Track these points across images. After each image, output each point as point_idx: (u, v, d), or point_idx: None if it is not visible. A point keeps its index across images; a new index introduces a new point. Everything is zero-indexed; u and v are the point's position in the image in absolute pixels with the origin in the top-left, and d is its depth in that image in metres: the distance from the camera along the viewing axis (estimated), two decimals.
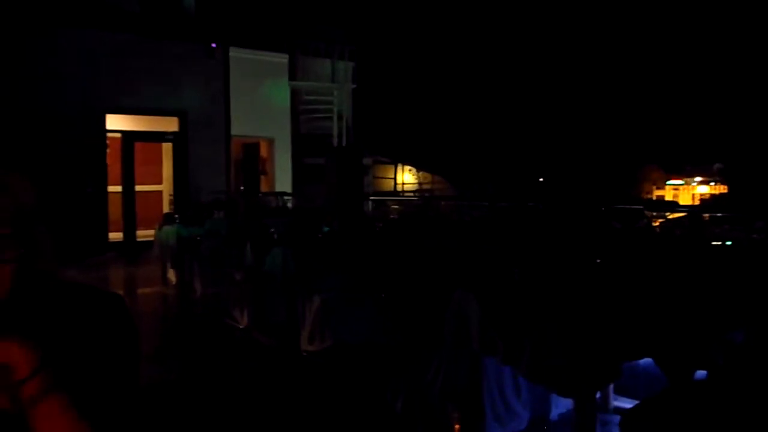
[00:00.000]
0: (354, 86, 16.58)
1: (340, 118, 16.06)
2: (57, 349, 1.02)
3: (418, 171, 19.57)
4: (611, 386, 3.87)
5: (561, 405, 3.82)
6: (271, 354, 5.51)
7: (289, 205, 11.20)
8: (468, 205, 10.60)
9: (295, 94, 15.23)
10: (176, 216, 8.55)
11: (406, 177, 19.49)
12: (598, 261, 3.91)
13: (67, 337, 1.08)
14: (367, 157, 16.08)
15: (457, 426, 2.62)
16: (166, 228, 8.36)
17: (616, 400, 3.91)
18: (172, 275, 8.25)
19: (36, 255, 1.06)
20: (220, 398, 4.42)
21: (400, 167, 19.20)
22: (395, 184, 18.84)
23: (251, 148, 14.68)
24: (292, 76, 15.04)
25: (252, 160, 14.59)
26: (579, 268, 3.78)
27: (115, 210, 12.22)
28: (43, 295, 1.08)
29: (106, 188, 11.97)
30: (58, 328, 1.08)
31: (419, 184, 19.34)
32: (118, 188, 12.35)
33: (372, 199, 9.77)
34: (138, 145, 12.76)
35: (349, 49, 16.26)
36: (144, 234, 12.09)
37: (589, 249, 4.13)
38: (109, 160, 12.14)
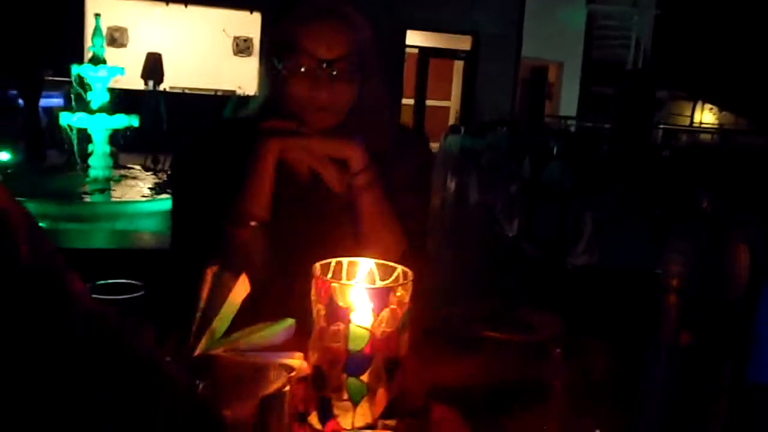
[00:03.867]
0: (657, 12, 15.40)
1: (637, 46, 15.11)
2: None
3: (720, 111, 17.75)
4: None
5: None
6: (536, 265, 5.68)
7: (572, 129, 11.02)
8: None
9: (591, 18, 14.64)
10: (461, 127, 8.96)
11: (706, 116, 17.82)
12: None
13: (385, 155, 1.34)
14: (663, 91, 14.98)
15: None
16: (451, 137, 8.83)
17: None
18: (451, 182, 8.75)
19: (372, 86, 1.32)
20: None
21: (699, 105, 17.58)
22: (691, 122, 17.35)
23: (539, 71, 14.54)
24: None
25: (539, 83, 14.48)
26: None
27: (406, 121, 13.15)
28: (371, 118, 1.34)
29: (400, 100, 12.88)
30: (381, 145, 1.33)
31: (720, 125, 17.57)
32: (410, 101, 13.22)
33: (661, 128, 9.20)
34: (431, 62, 13.43)
35: None
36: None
37: None
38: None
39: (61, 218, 3.34)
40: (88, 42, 4.92)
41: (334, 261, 0.87)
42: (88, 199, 3.76)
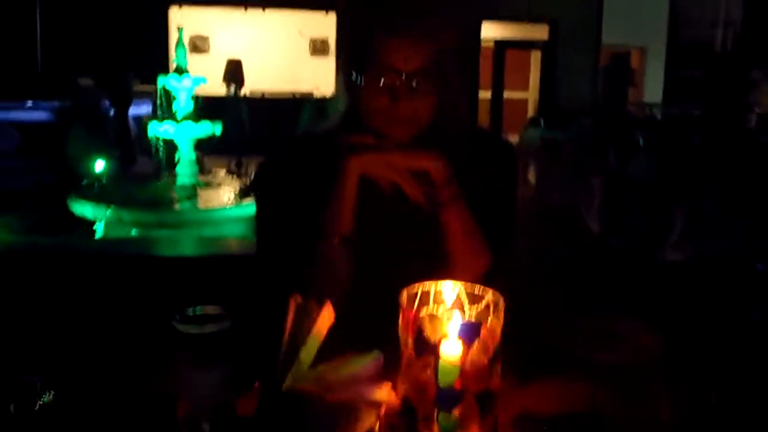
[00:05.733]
0: None
1: (727, 25, 14.35)
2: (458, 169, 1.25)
3: None
4: None
5: None
6: (625, 261, 5.48)
7: (658, 117, 10.58)
8: None
9: None
10: (541, 119, 8.76)
11: None
12: None
13: (468, 165, 1.30)
14: (757, 70, 14.14)
15: None
16: (531, 130, 8.64)
17: None
18: (531, 176, 8.56)
19: (451, 95, 1.28)
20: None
21: None
22: None
23: (621, 58, 14.03)
24: None
25: (621, 71, 13.97)
26: None
27: (483, 116, 12.94)
28: (452, 126, 1.30)
29: (477, 94, 12.68)
30: (463, 156, 1.29)
31: None
32: (488, 94, 13.01)
33: (756, 112, 8.71)
34: (507, 53, 13.17)
35: None
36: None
37: None
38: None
39: (152, 225, 3.45)
40: (172, 53, 5.08)
41: (420, 288, 0.84)
42: (176, 206, 3.87)
